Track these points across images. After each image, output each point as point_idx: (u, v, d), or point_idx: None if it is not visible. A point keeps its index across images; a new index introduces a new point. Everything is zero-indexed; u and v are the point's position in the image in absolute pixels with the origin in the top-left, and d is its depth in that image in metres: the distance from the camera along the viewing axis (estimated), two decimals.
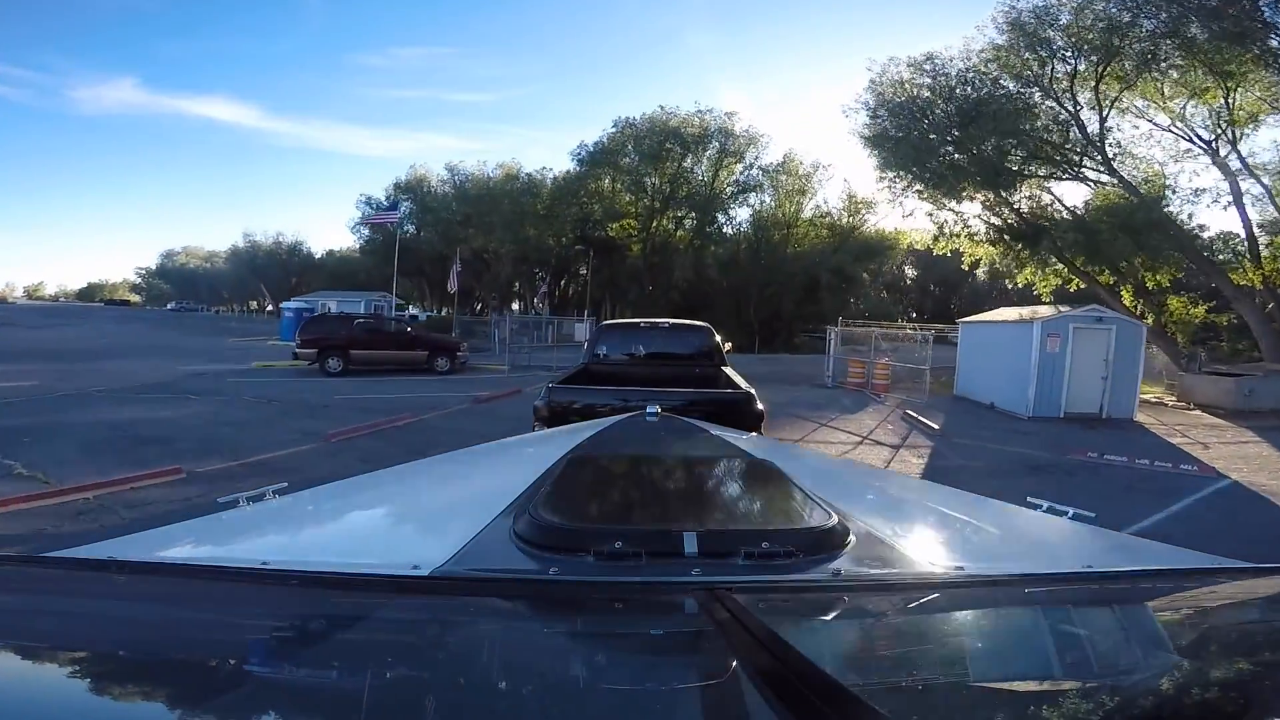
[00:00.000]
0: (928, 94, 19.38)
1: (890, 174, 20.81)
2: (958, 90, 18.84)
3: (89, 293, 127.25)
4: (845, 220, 37.87)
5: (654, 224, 37.31)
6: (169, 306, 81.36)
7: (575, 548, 0.84)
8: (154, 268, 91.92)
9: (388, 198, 41.34)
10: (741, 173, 37.29)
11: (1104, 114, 17.58)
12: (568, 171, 38.73)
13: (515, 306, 41.97)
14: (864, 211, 36.66)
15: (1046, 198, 19.63)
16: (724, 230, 38.72)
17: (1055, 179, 19.05)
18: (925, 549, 1.02)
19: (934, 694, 0.57)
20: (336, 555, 0.93)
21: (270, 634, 0.73)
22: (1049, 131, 18.34)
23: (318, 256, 59.75)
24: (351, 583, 0.80)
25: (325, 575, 0.82)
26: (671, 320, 7.64)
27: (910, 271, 60.00)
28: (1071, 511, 1.29)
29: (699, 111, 35.75)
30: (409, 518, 1.28)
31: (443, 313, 38.45)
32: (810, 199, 38.05)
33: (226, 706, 0.54)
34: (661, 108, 36.30)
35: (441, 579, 0.80)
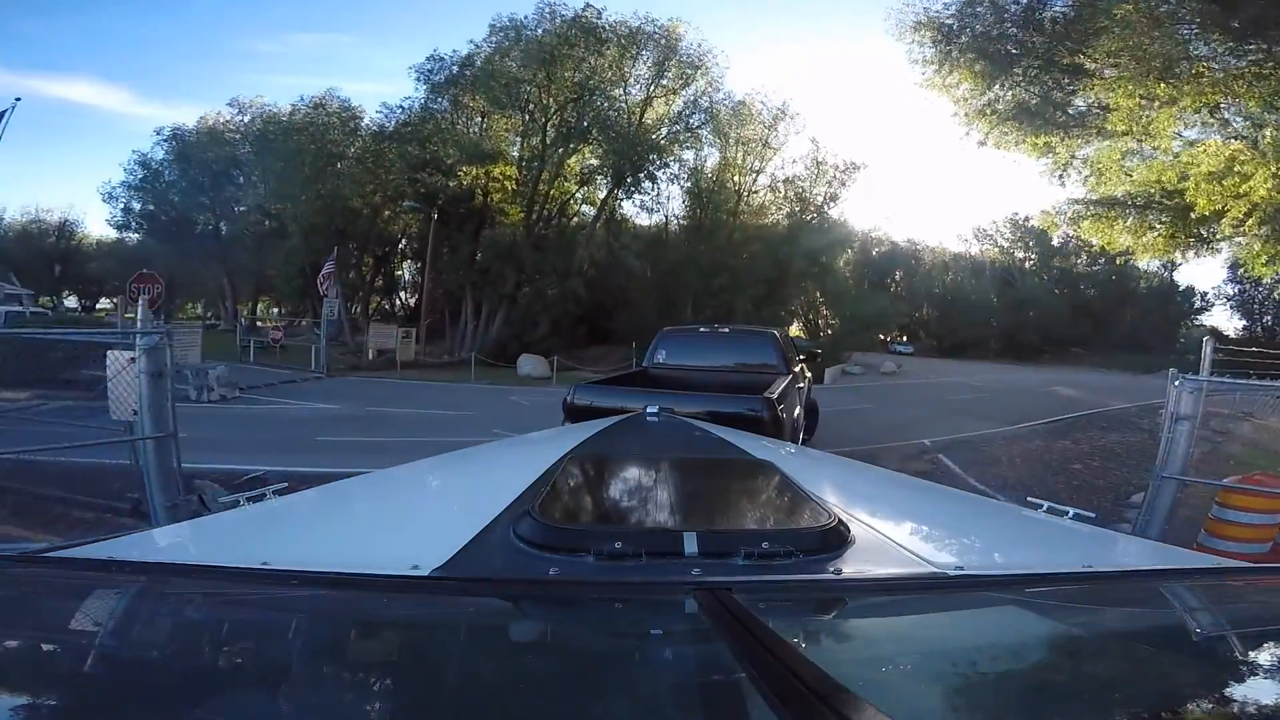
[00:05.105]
0: None
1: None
2: None
3: None
4: (817, 191, 26.90)
5: (545, 176, 23.39)
6: None
7: (575, 548, 0.84)
8: None
9: (166, 154, 28.12)
10: (684, 109, 25.03)
11: None
12: (408, 99, 24.69)
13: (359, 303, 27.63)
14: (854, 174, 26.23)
15: None
16: (656, 192, 25.93)
17: None
18: (925, 549, 1.01)
19: (934, 694, 0.56)
20: (336, 555, 0.91)
21: (270, 634, 0.73)
22: None
23: (108, 241, 40.82)
24: (351, 583, 0.80)
25: (325, 575, 0.81)
26: (732, 326, 7.61)
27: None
28: (1071, 511, 1.27)
29: (625, 17, 23.14)
30: (409, 518, 1.26)
31: (300, 313, 25.64)
32: (772, 157, 26.78)
33: (226, 707, 0.54)
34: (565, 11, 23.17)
35: (441, 579, 0.80)
